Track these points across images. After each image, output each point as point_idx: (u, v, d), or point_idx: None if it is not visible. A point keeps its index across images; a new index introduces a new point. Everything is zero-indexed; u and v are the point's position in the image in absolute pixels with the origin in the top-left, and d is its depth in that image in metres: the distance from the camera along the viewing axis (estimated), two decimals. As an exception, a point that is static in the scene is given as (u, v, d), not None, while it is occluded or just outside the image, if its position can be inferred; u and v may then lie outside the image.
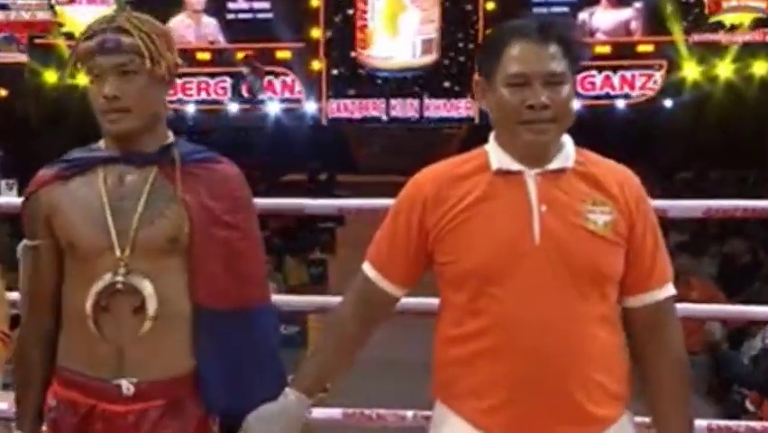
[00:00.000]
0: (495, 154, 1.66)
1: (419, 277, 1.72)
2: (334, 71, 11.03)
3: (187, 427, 1.71)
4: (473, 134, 10.20)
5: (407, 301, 1.88)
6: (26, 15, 10.09)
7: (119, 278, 1.66)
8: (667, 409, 1.66)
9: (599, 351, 1.60)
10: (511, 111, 1.60)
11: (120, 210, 1.68)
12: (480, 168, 1.67)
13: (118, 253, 1.66)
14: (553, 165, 1.63)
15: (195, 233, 1.69)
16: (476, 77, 1.70)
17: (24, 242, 1.79)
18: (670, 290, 1.67)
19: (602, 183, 1.63)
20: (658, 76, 10.27)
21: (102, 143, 1.77)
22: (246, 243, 1.76)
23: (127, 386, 1.67)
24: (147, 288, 1.66)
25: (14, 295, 1.90)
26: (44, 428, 1.77)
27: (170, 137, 1.76)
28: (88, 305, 1.66)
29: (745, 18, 9.63)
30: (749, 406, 4.91)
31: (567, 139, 1.66)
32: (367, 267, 1.73)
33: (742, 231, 7.51)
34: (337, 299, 1.82)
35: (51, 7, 10.16)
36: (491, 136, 1.70)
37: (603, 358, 1.61)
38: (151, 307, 1.66)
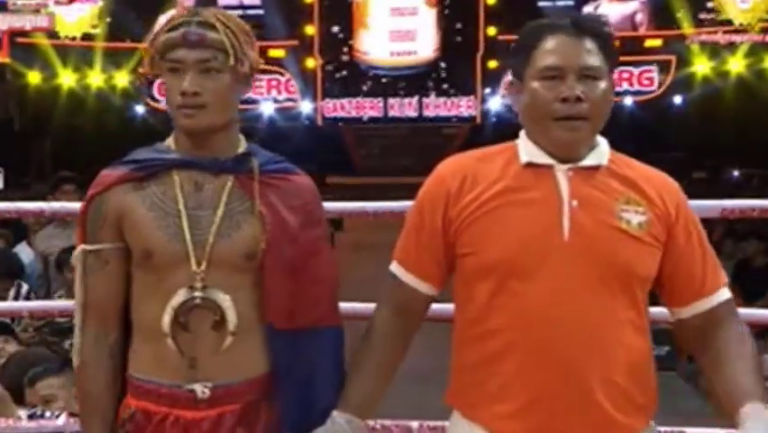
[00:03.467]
0: (525, 148, 1.61)
1: (449, 273, 1.65)
2: (330, 69, 10.71)
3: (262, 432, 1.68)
4: (475, 134, 9.94)
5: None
6: (25, 18, 9.81)
7: (197, 293, 1.64)
8: (744, 380, 1.53)
9: (626, 356, 1.54)
10: (544, 106, 1.54)
11: (197, 220, 1.66)
12: (508, 160, 1.60)
13: (194, 266, 1.63)
14: (587, 162, 1.58)
15: (269, 249, 1.66)
16: (508, 77, 1.66)
17: (83, 246, 1.71)
18: (725, 293, 1.61)
19: (637, 183, 1.59)
20: (667, 71, 9.97)
21: (170, 143, 1.73)
22: (317, 260, 1.72)
23: (202, 390, 1.64)
24: (226, 302, 1.65)
25: None
26: None
27: (243, 141, 1.71)
28: (166, 321, 1.63)
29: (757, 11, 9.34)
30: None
31: (602, 139, 1.61)
32: (395, 267, 1.68)
33: (756, 232, 7.20)
34: (343, 306, 1.79)
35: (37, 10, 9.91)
36: (522, 132, 1.63)
37: (629, 365, 1.55)
38: (232, 322, 1.64)
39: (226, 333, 1.64)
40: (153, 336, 1.66)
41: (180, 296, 1.63)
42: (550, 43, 1.56)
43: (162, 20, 8.67)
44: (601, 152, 1.60)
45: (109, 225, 1.70)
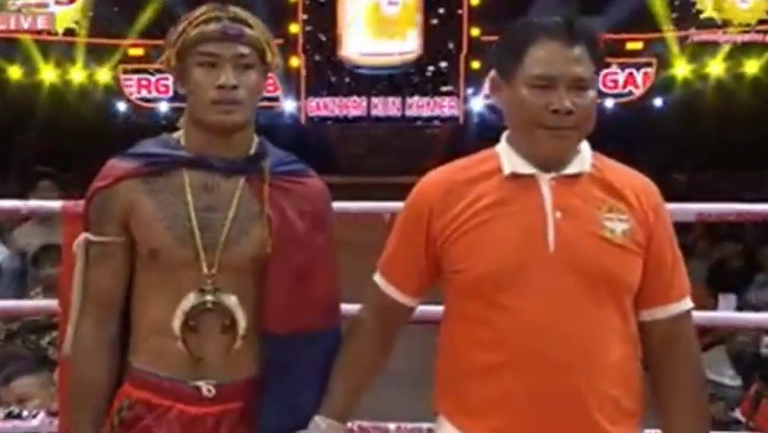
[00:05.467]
0: (507, 157, 1.60)
1: (431, 285, 1.68)
2: (313, 68, 10.68)
3: None
4: (458, 134, 9.96)
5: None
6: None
7: (208, 297, 1.62)
8: (683, 426, 1.61)
9: (615, 364, 1.55)
10: (533, 114, 1.54)
11: (207, 223, 1.63)
12: (491, 171, 1.60)
13: (205, 269, 1.62)
14: (569, 170, 1.58)
15: (274, 254, 1.65)
16: (492, 73, 1.63)
17: (87, 236, 1.69)
18: (688, 303, 1.63)
19: (618, 190, 1.59)
20: (648, 74, 10.03)
21: (180, 137, 1.69)
22: (322, 264, 1.72)
23: (207, 388, 1.64)
24: (236, 307, 1.63)
25: None
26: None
27: (255, 140, 1.70)
28: (176, 324, 1.62)
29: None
30: (738, 416, 4.59)
31: (584, 143, 1.61)
32: (378, 278, 1.70)
33: (732, 234, 7.26)
34: None
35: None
36: (503, 137, 1.63)
37: (619, 372, 1.55)
38: (242, 326, 1.64)
39: (236, 336, 1.63)
40: (158, 332, 1.64)
41: (191, 299, 1.62)
42: (542, 50, 1.53)
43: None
44: (583, 158, 1.60)
45: (116, 219, 1.65)
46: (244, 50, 1.62)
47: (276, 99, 10.67)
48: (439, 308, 1.86)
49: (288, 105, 10.77)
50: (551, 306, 1.52)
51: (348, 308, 1.78)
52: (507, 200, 1.57)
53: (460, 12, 10.61)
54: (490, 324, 1.55)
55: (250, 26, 1.63)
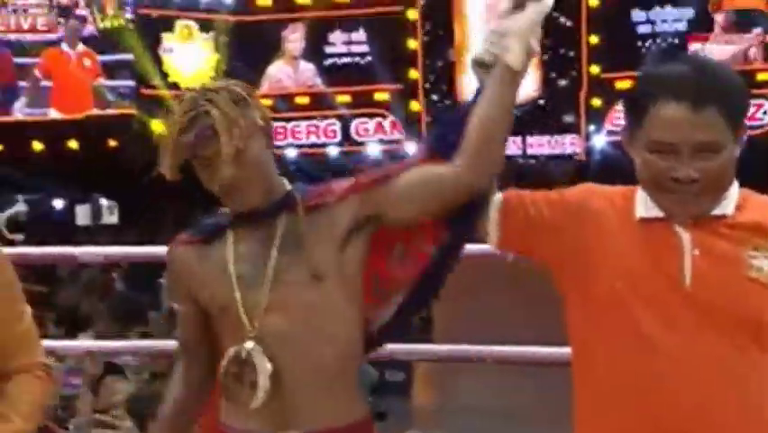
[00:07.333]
0: (643, 201, 1.55)
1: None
2: (433, 111, 10.85)
3: None
4: (580, 171, 9.83)
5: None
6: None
7: (244, 351, 1.70)
8: None
9: (755, 413, 1.47)
10: (654, 178, 1.48)
11: (246, 274, 1.73)
12: (627, 211, 1.56)
13: (246, 324, 1.71)
14: (710, 214, 1.51)
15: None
16: (624, 123, 1.61)
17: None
18: None
19: (765, 227, 1.50)
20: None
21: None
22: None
23: None
24: (263, 368, 1.67)
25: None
26: None
27: (285, 185, 1.80)
28: (221, 371, 1.73)
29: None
30: None
31: (733, 185, 1.54)
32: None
33: None
34: (444, 348, 1.74)
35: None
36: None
37: (760, 422, 1.47)
38: (262, 388, 1.66)
39: (257, 395, 1.68)
40: None
41: (232, 351, 1.74)
42: (665, 113, 1.43)
43: (272, 70, 8.81)
44: (728, 202, 1.52)
45: (182, 287, 1.87)
46: (211, 149, 1.67)
47: (397, 142, 10.89)
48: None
49: (410, 148, 10.96)
50: (685, 346, 1.46)
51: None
52: (640, 241, 1.52)
53: (578, 49, 10.55)
54: (619, 362, 1.53)
55: (214, 124, 1.65)
